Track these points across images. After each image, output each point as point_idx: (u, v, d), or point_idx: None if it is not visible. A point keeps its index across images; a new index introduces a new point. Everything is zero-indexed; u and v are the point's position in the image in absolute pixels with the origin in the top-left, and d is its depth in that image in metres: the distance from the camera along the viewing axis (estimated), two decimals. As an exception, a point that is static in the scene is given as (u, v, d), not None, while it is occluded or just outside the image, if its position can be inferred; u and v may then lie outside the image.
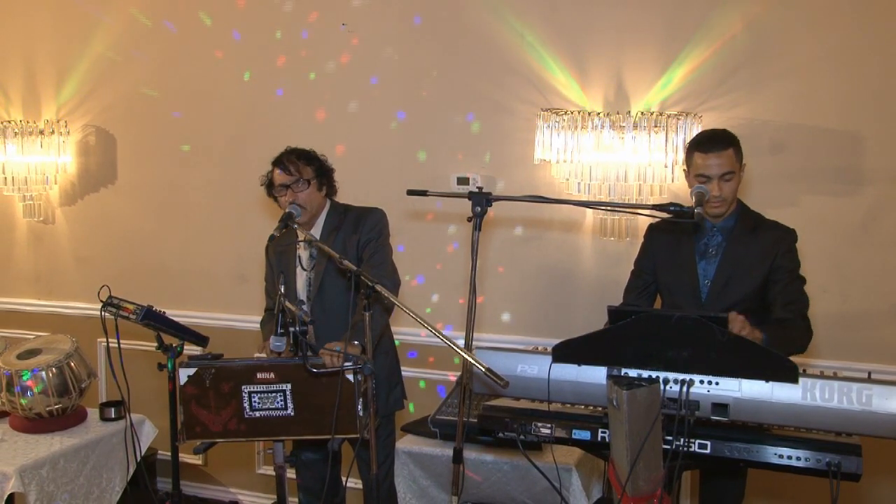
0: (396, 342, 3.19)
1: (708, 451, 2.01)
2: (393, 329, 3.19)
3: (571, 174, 3.27)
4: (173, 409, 2.78)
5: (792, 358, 1.97)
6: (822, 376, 1.92)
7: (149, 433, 3.41)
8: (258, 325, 3.23)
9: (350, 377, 2.53)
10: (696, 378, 1.97)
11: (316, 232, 2.98)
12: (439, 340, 2.10)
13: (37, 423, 3.19)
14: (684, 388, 1.96)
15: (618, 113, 3.18)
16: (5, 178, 4.15)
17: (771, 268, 2.57)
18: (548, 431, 2.17)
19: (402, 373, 3.18)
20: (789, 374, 1.91)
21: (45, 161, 4.18)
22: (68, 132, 4.23)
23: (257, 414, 2.61)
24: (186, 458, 3.92)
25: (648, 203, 3.13)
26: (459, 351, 2.07)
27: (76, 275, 4.39)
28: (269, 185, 2.96)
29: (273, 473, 2.89)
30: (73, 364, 3.23)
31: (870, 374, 2.01)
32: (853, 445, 1.92)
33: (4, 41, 4.41)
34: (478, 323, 2.30)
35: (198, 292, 4.14)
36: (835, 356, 3.11)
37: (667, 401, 1.96)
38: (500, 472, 2.81)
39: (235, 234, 4.03)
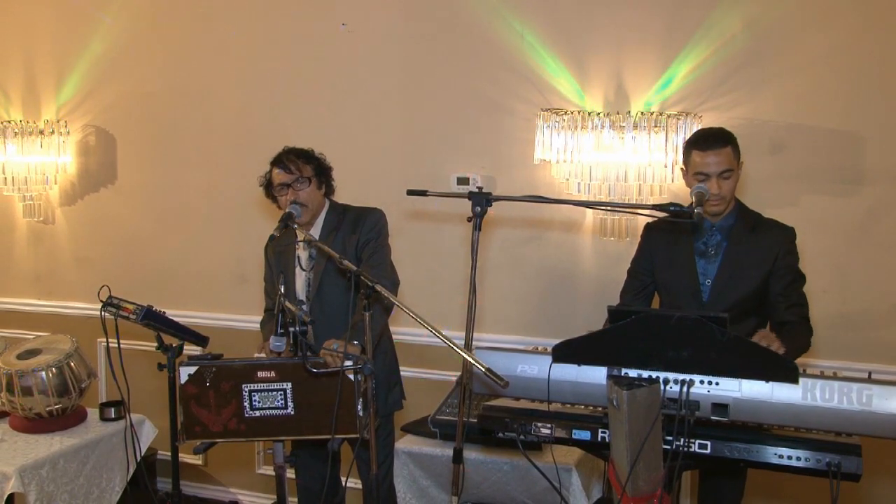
0: (396, 342, 3.19)
1: (708, 451, 2.01)
2: (393, 329, 3.19)
3: (571, 174, 3.27)
4: (173, 409, 2.78)
5: (792, 358, 1.98)
6: (822, 376, 1.92)
7: (149, 433, 3.41)
8: (258, 326, 3.24)
9: (350, 377, 2.53)
10: (696, 378, 1.97)
11: (315, 232, 2.98)
12: (439, 340, 2.09)
13: (37, 423, 3.19)
14: (684, 388, 1.96)
15: (618, 113, 3.18)
16: (5, 178, 4.15)
17: (773, 267, 2.57)
18: (548, 431, 2.17)
19: (402, 373, 3.18)
20: (789, 375, 1.91)
21: (45, 161, 4.18)
22: (68, 132, 4.23)
23: (257, 413, 2.60)
24: (186, 458, 3.92)
25: (648, 203, 3.12)
26: (459, 351, 2.07)
27: (76, 275, 4.39)
28: (268, 185, 2.97)
29: (273, 473, 2.88)
30: (73, 364, 3.23)
31: (870, 374, 2.01)
32: (853, 445, 1.91)
33: (4, 41, 4.40)
34: (478, 323, 2.29)
35: (198, 292, 4.13)
36: (835, 356, 3.11)
37: (667, 401, 1.96)
38: (500, 472, 2.81)
39: (235, 234, 4.03)
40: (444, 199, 2.52)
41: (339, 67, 3.78)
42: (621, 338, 2.03)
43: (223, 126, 4.01)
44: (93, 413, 3.40)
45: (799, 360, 2.32)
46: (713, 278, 2.62)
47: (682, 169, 2.69)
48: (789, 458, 1.95)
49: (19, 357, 3.23)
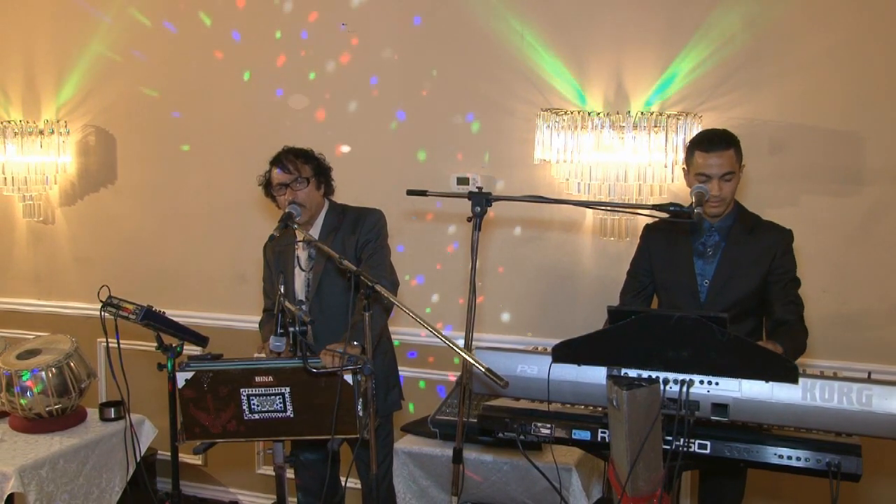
0: (396, 342, 3.19)
1: (708, 451, 2.01)
2: (392, 329, 3.19)
3: (571, 174, 3.27)
4: (173, 409, 2.77)
5: (792, 358, 1.98)
6: (822, 376, 1.92)
7: (148, 433, 3.41)
8: (257, 326, 3.23)
9: (349, 378, 2.53)
10: (696, 378, 1.97)
11: (314, 232, 2.98)
12: (439, 340, 2.09)
13: (36, 424, 3.19)
14: (684, 389, 1.96)
15: (618, 113, 3.18)
16: (5, 178, 4.15)
17: (770, 268, 2.58)
18: (548, 431, 2.17)
19: (402, 373, 3.18)
20: (789, 375, 1.91)
21: (44, 161, 4.17)
22: (68, 132, 4.22)
23: (256, 416, 2.60)
24: (186, 458, 3.92)
25: (648, 203, 3.12)
26: (459, 351, 2.07)
27: (76, 275, 4.39)
28: (267, 185, 2.97)
29: (273, 473, 2.88)
30: (72, 364, 3.23)
31: (870, 374, 2.01)
32: (853, 445, 1.91)
33: (4, 41, 4.40)
34: (478, 323, 2.30)
35: (197, 292, 4.14)
36: (835, 356, 3.11)
37: (667, 401, 1.96)
38: (500, 472, 2.81)
39: (235, 234, 4.03)
40: (444, 198, 2.52)
41: (339, 67, 3.78)
42: (621, 338, 2.03)
43: (223, 126, 4.01)
44: (93, 413, 3.40)
45: (799, 360, 2.32)
46: (711, 278, 2.62)
47: (683, 168, 2.69)
48: (789, 458, 1.95)
49: (19, 357, 3.23)
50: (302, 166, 2.91)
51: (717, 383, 1.96)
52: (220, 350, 2.75)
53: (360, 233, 2.93)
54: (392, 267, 2.97)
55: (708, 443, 2.01)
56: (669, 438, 1.97)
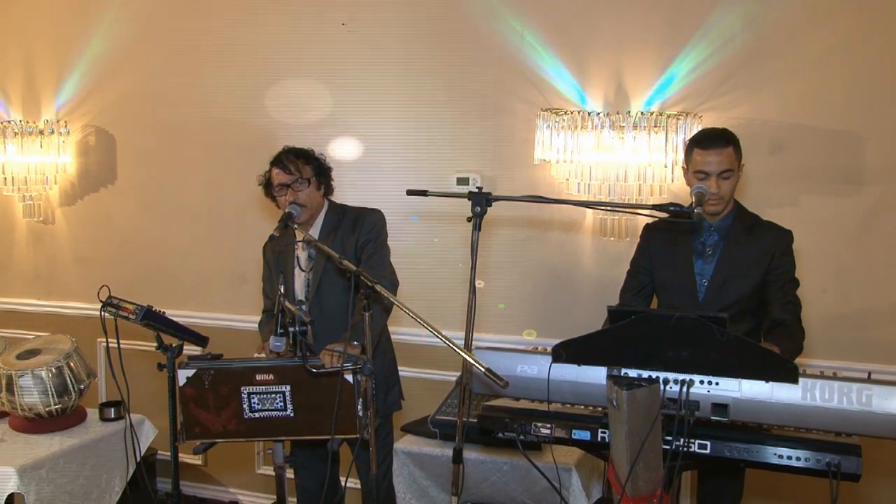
0: (396, 342, 3.19)
1: (708, 451, 2.01)
2: (393, 329, 3.19)
3: (571, 174, 3.27)
4: (173, 409, 2.77)
5: (791, 358, 1.98)
6: (822, 376, 1.92)
7: (148, 433, 3.41)
8: (257, 326, 3.23)
9: (349, 377, 2.53)
10: (696, 378, 1.97)
11: (314, 232, 2.98)
12: (439, 340, 2.09)
13: (36, 424, 3.19)
14: (684, 389, 1.96)
15: (618, 113, 3.18)
16: (5, 178, 4.15)
17: (768, 268, 2.58)
18: (547, 431, 2.17)
19: (402, 373, 3.18)
20: (789, 375, 1.91)
21: (44, 161, 4.17)
22: (68, 132, 4.22)
23: (257, 415, 2.60)
24: (186, 458, 3.92)
25: (648, 203, 3.12)
26: (459, 351, 2.06)
27: (76, 275, 4.39)
28: (267, 185, 2.96)
29: (273, 473, 2.89)
30: (72, 364, 3.23)
31: (870, 374, 2.01)
32: (853, 445, 1.91)
33: (4, 41, 4.40)
34: (478, 323, 2.29)
35: (197, 292, 4.14)
36: (835, 356, 3.11)
37: (667, 401, 1.96)
38: (500, 472, 2.81)
39: (235, 234, 4.03)
40: (444, 199, 2.52)
41: (340, 67, 3.78)
42: (621, 338, 2.03)
43: (223, 126, 4.01)
44: (93, 413, 3.40)
45: (798, 360, 2.32)
46: (709, 278, 2.62)
47: (683, 167, 2.70)
48: (789, 458, 1.95)
49: (19, 357, 3.23)
50: (303, 167, 2.91)
51: (716, 383, 1.96)
52: (219, 350, 2.75)
53: (360, 233, 2.93)
54: (392, 267, 2.97)
55: (708, 443, 2.01)
56: (669, 438, 1.97)
